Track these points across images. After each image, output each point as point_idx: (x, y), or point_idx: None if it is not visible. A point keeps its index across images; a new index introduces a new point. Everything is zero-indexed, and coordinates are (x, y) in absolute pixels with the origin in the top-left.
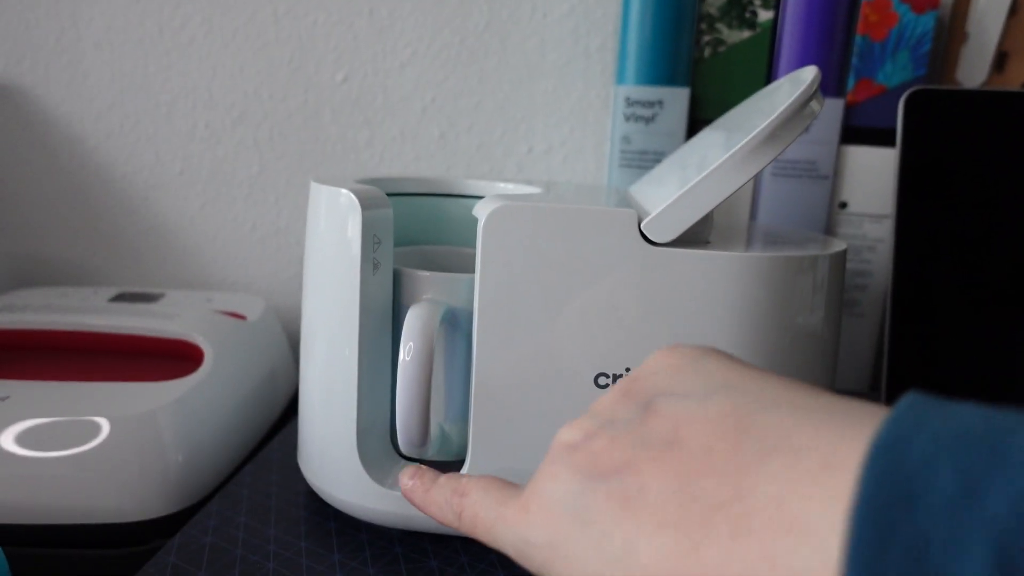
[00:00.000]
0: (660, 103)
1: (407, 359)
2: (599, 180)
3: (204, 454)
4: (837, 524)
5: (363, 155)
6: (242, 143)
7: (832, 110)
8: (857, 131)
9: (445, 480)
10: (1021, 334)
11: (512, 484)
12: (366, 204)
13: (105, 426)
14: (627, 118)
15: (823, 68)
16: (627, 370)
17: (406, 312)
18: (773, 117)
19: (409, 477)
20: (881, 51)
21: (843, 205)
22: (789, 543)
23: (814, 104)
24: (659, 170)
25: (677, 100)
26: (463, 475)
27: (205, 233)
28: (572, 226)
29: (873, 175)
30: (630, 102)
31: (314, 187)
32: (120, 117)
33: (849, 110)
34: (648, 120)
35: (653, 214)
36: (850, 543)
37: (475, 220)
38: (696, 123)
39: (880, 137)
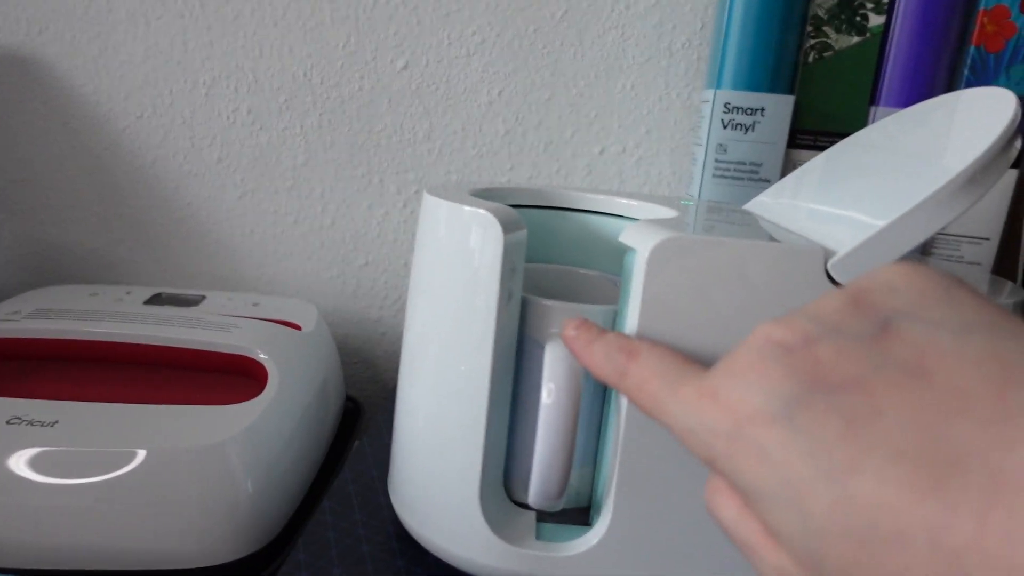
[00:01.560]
0: (761, 110)
1: (549, 402)
2: (678, 188)
3: (273, 488)
4: None
5: (420, 149)
6: (288, 130)
7: None
8: None
9: (614, 337)
10: None
11: (691, 361)
12: (507, 228)
13: (169, 458)
14: (725, 125)
15: (934, 79)
16: None
17: (529, 343)
18: (977, 157)
19: (574, 327)
20: (996, 64)
21: None
22: None
23: (1018, 142)
24: (801, 193)
25: (780, 108)
26: (633, 337)
27: (243, 226)
28: (749, 263)
29: None
30: (729, 108)
31: (431, 200)
32: (153, 97)
33: None
34: (747, 128)
35: (842, 254)
36: None
37: (590, 236)
38: (796, 133)
39: None
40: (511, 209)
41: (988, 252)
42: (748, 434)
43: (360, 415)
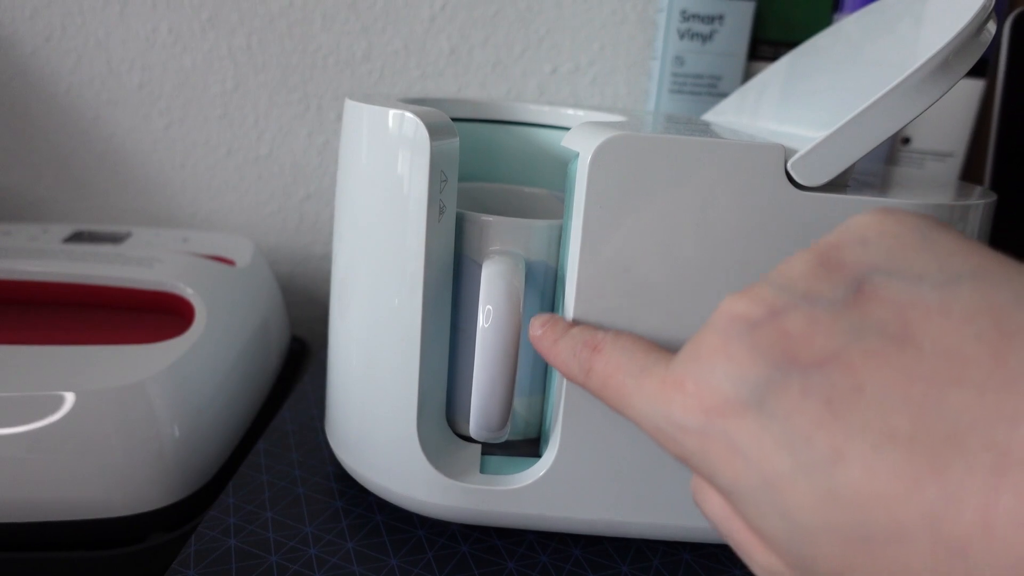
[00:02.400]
0: (720, 18)
1: (487, 326)
2: (635, 107)
3: (202, 431)
4: None
5: (359, 70)
6: (214, 52)
7: None
8: None
9: (578, 331)
10: None
11: (658, 348)
12: (435, 133)
13: (86, 400)
14: (681, 35)
15: None
16: None
17: (467, 264)
18: (950, 39)
19: (540, 325)
20: None
21: (906, 141)
22: None
23: (992, 24)
24: (762, 100)
25: (740, 15)
26: (599, 329)
27: (171, 159)
28: (702, 162)
29: (938, 109)
30: (686, 16)
31: (352, 107)
32: (61, 16)
33: None
34: (705, 38)
35: (804, 150)
36: None
37: (537, 152)
38: (756, 44)
39: None
40: (440, 113)
41: (953, 168)
42: (718, 428)
43: (306, 355)
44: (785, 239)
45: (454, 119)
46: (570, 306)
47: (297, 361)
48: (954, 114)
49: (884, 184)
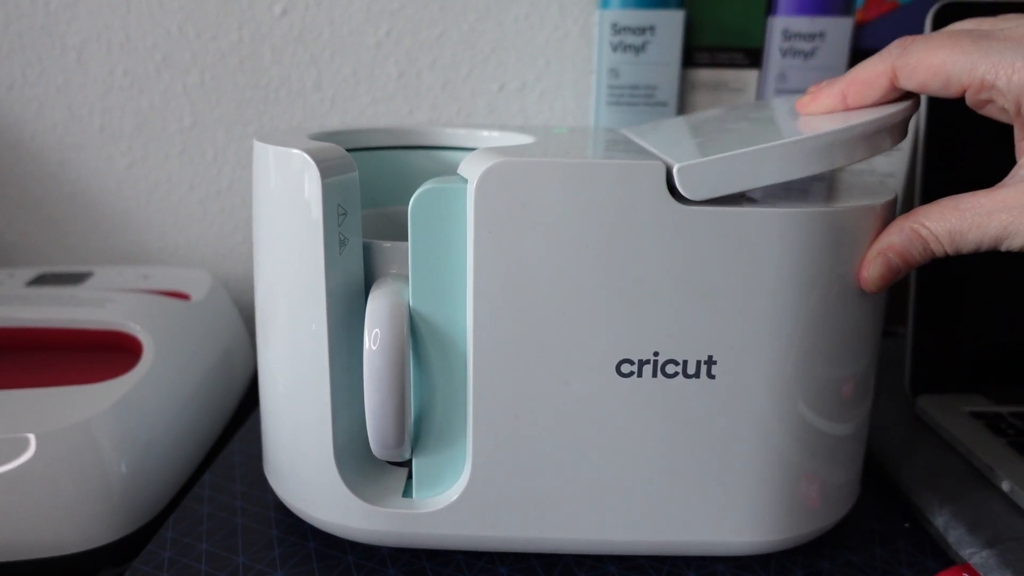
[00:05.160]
0: (651, 29)
1: (374, 348)
2: (582, 120)
3: (151, 465)
4: None
5: (311, 99)
6: (170, 91)
7: (840, 31)
8: (867, 53)
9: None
10: None
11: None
12: (326, 169)
13: (31, 442)
14: (614, 48)
15: None
16: (655, 355)
17: None
18: (857, 123)
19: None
20: None
21: None
22: None
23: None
24: (680, 128)
25: (671, 25)
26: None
27: (135, 197)
28: (585, 184)
29: None
30: (617, 29)
31: (258, 147)
32: (21, 65)
33: (858, 30)
34: (638, 49)
35: (694, 161)
36: None
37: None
38: (690, 51)
39: None
40: (336, 148)
41: (900, 162)
42: None
43: None
44: (675, 254)
45: (375, 148)
46: (469, 323)
47: None
48: None
49: (782, 187)
